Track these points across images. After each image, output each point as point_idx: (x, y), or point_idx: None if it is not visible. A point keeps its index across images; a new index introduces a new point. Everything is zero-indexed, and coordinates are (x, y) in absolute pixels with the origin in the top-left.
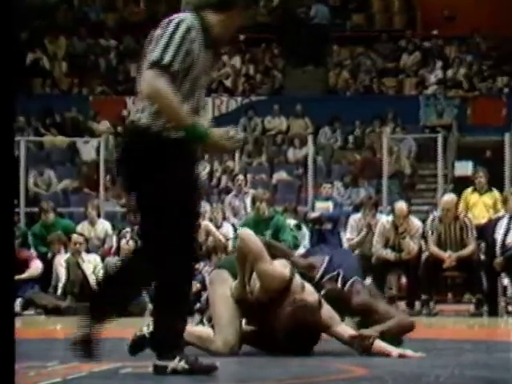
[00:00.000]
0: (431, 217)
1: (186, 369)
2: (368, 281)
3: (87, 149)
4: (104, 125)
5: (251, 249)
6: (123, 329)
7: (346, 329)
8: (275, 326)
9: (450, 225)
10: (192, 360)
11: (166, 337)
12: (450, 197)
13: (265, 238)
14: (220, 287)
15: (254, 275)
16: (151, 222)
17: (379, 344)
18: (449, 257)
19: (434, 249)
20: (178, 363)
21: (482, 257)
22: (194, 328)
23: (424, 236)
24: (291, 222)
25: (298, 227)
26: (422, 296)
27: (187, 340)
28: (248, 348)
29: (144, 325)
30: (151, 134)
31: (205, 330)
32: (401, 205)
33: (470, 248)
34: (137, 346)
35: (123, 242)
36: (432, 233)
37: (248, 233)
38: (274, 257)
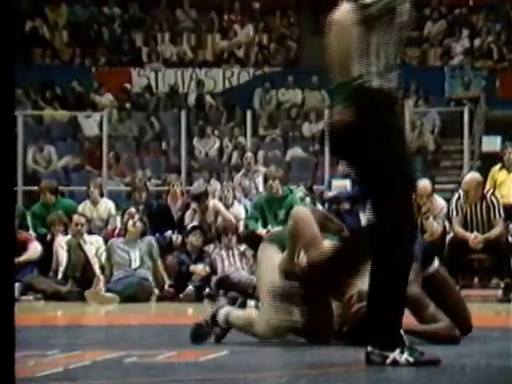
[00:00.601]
0: (456, 196)
1: (410, 362)
2: (436, 265)
3: (89, 123)
4: (107, 98)
5: (305, 236)
6: (128, 315)
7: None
8: (329, 315)
9: (476, 204)
10: (417, 353)
11: (386, 324)
12: (471, 176)
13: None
14: (267, 263)
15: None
16: (384, 190)
17: None
18: (474, 238)
19: (459, 230)
20: (400, 354)
21: (511, 239)
22: (242, 311)
23: (448, 216)
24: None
25: (301, 200)
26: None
27: (236, 325)
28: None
29: (204, 313)
30: (385, 95)
31: (251, 313)
32: (424, 183)
33: (498, 229)
34: (198, 334)
35: (130, 223)
36: (457, 213)
37: (303, 215)
38: (327, 230)
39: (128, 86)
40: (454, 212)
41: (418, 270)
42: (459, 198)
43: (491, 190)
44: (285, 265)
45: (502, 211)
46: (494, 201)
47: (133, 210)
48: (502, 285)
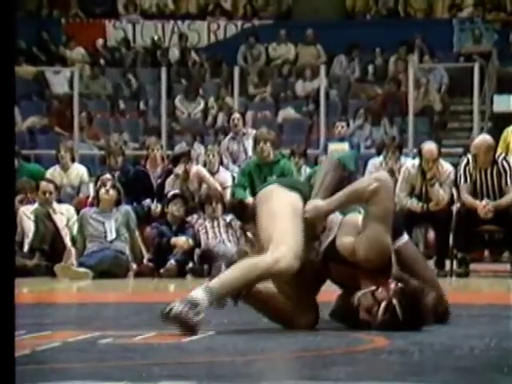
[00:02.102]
0: (465, 161)
1: None
2: (405, 239)
3: (58, 80)
4: (78, 52)
5: (385, 201)
6: (103, 292)
7: None
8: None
9: (487, 170)
10: None
11: None
12: (481, 139)
13: None
14: (286, 202)
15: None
16: None
17: None
18: (484, 206)
19: (468, 197)
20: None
21: None
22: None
23: (456, 183)
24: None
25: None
26: (458, 254)
27: (232, 282)
28: (252, 317)
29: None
30: None
31: (246, 260)
32: (430, 146)
33: (510, 197)
34: None
35: (102, 191)
36: (465, 179)
37: (390, 184)
38: None
39: (102, 39)
40: (462, 178)
41: None
42: (468, 163)
43: (503, 155)
44: (321, 210)
45: None
46: (506, 166)
47: (107, 176)
48: None
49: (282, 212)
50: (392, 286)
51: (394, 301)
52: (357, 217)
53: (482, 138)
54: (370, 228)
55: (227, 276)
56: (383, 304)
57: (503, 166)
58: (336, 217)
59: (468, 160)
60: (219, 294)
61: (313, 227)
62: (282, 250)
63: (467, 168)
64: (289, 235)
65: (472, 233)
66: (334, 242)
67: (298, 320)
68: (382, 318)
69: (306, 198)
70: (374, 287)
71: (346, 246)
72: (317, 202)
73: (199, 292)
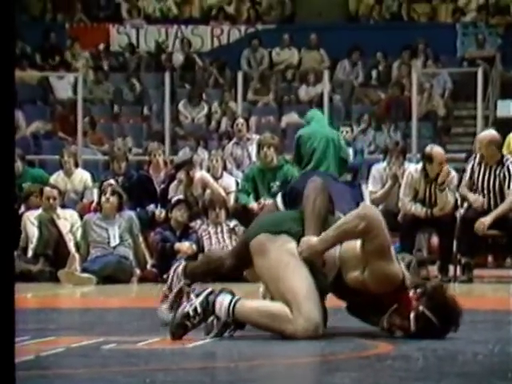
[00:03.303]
0: (472, 158)
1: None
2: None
3: (62, 85)
4: (82, 57)
5: (378, 237)
6: (106, 298)
7: None
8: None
9: (492, 168)
10: None
11: None
12: (484, 133)
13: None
14: (281, 251)
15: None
16: None
17: None
18: (482, 223)
19: (463, 189)
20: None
21: None
22: (261, 303)
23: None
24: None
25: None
26: (462, 259)
27: (252, 319)
28: None
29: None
30: None
31: (277, 306)
32: (437, 149)
33: (508, 202)
34: (183, 327)
35: (103, 198)
36: (470, 177)
37: (379, 217)
38: None
39: (105, 44)
40: (468, 173)
41: None
42: (475, 159)
43: (511, 158)
44: (315, 250)
45: None
46: (511, 167)
47: (109, 182)
48: None
49: (286, 270)
50: (411, 294)
51: (421, 307)
52: (355, 243)
53: (486, 132)
54: (372, 264)
55: (253, 311)
56: (412, 315)
57: (508, 168)
58: (336, 249)
59: (475, 156)
60: (238, 319)
61: (313, 263)
62: (301, 315)
63: (473, 165)
64: (305, 294)
65: (476, 238)
66: (340, 276)
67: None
68: (418, 328)
69: (295, 235)
70: (395, 305)
71: (355, 281)
72: (309, 241)
73: (224, 309)
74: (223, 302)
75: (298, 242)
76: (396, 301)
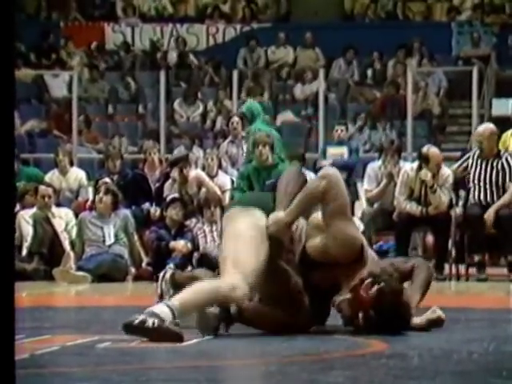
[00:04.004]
0: (467, 156)
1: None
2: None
3: (57, 83)
4: (77, 56)
5: (338, 197)
6: (102, 296)
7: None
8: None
9: (489, 161)
10: None
11: None
12: (485, 126)
13: None
14: (248, 223)
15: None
16: None
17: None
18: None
19: (455, 166)
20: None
21: None
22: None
23: (455, 188)
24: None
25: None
26: (475, 257)
27: (192, 303)
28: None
29: None
30: None
31: (207, 282)
32: (434, 150)
33: (508, 194)
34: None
35: (97, 198)
36: (460, 164)
37: (337, 178)
38: None
39: (100, 42)
40: (463, 164)
41: None
42: (474, 153)
43: (507, 153)
44: (282, 222)
45: None
46: (511, 161)
47: (103, 180)
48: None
49: (242, 235)
50: (369, 289)
51: (371, 311)
52: (317, 215)
53: (486, 124)
54: (332, 226)
55: (188, 297)
56: (360, 315)
57: (507, 160)
58: (302, 224)
59: (474, 151)
60: (180, 312)
61: (280, 240)
62: (237, 278)
63: (472, 157)
64: (246, 261)
65: (473, 235)
66: (304, 248)
67: (296, 320)
68: (362, 327)
69: (266, 212)
70: (350, 295)
71: (315, 249)
72: (277, 215)
73: (163, 307)
74: (161, 308)
75: None
76: (353, 284)
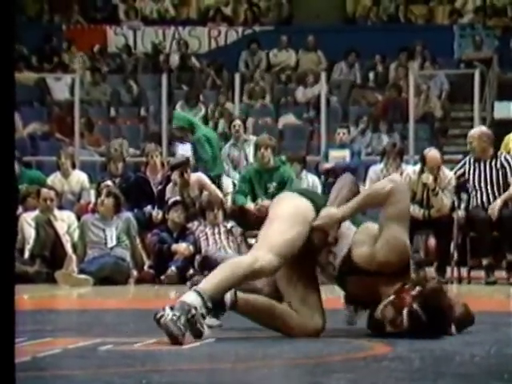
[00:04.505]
0: (462, 163)
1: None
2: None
3: (59, 86)
4: (79, 59)
5: (401, 202)
6: (103, 299)
7: None
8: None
9: (486, 163)
10: None
11: None
12: (476, 129)
13: None
14: (288, 204)
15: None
16: None
17: None
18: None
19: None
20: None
21: None
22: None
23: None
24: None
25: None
26: (484, 261)
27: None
28: (251, 323)
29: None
30: None
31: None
32: (433, 153)
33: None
34: None
35: (98, 201)
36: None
37: (405, 185)
38: None
39: (102, 45)
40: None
41: None
42: (470, 159)
43: (504, 153)
44: (335, 216)
45: None
46: (510, 160)
47: (105, 183)
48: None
49: (282, 215)
50: (411, 291)
51: (415, 305)
52: (371, 225)
53: (478, 127)
54: (387, 229)
55: (215, 278)
56: (405, 311)
57: (506, 159)
58: (347, 228)
59: (470, 157)
60: (211, 295)
61: (324, 235)
62: (262, 249)
63: (467, 163)
64: (277, 236)
65: (473, 238)
66: (349, 254)
67: (305, 327)
68: (407, 326)
69: (318, 208)
70: (392, 297)
71: (362, 255)
72: (329, 209)
73: (191, 295)
74: (190, 296)
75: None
76: (395, 290)
